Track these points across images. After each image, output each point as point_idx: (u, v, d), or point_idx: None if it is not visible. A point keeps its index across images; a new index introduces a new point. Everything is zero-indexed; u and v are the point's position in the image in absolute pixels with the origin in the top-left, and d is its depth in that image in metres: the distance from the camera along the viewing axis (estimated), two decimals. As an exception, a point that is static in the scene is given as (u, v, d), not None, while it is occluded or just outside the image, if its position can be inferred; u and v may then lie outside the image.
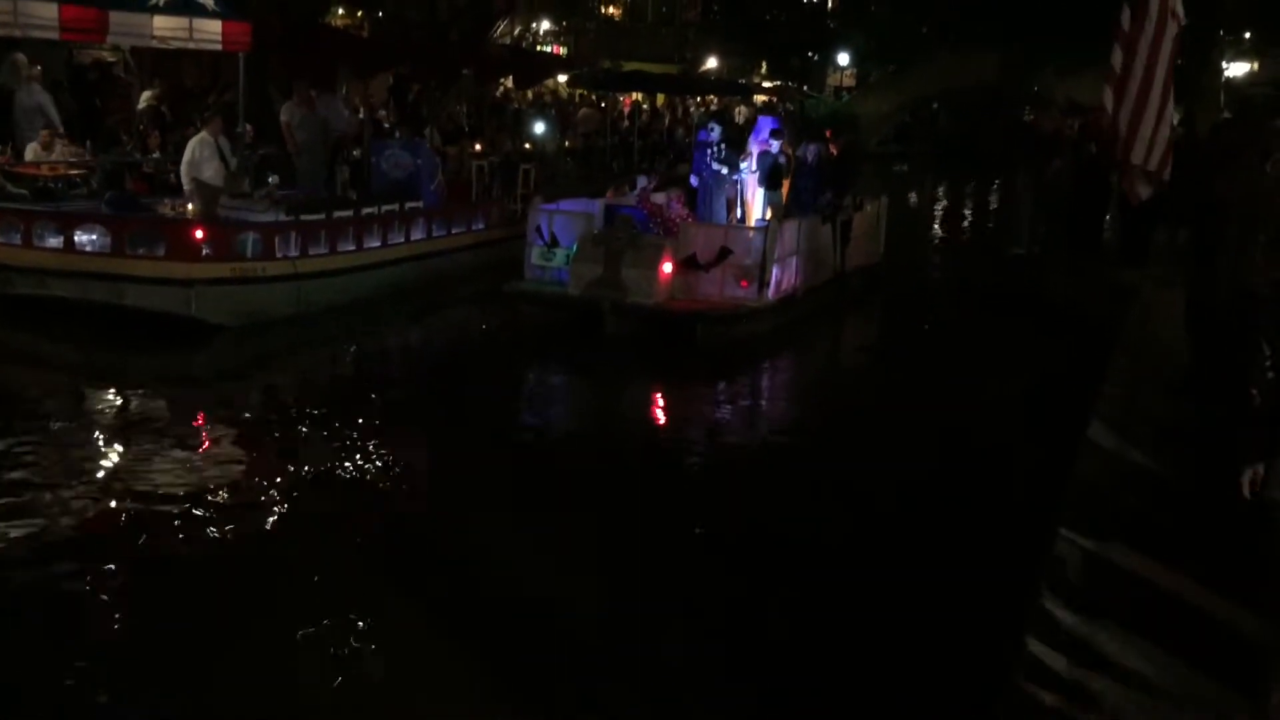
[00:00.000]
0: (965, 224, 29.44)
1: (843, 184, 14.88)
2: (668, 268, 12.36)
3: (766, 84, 41.81)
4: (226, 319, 11.73)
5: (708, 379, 11.67)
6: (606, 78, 24.47)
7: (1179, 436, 7.49)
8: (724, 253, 12.53)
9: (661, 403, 11.10)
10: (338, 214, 13.44)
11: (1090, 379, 9.30)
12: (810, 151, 14.68)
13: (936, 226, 27.57)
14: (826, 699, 5.53)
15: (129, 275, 11.59)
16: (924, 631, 6.01)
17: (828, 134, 16.27)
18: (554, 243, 12.99)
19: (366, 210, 13.94)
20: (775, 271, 12.70)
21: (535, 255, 13.12)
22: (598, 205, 13.88)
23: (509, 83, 25.43)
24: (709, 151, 13.89)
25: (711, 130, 14.14)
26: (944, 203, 33.52)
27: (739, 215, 14.44)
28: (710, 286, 12.58)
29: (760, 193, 14.63)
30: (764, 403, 11.60)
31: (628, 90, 28.42)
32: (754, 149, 14.84)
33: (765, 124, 15.49)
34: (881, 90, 44.31)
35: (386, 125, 18.91)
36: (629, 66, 33.27)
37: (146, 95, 17.69)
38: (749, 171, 14.59)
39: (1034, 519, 6.47)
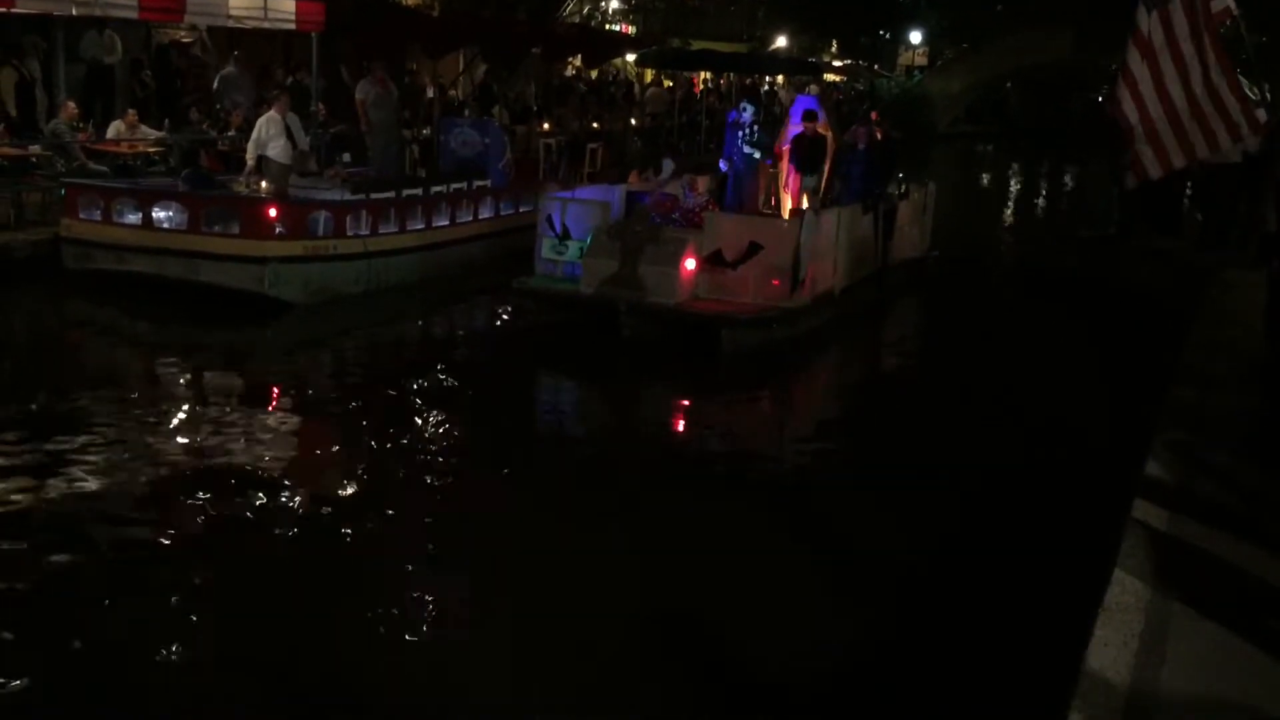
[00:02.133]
0: (1038, 205, 28.96)
1: (887, 170, 13.91)
2: (691, 264, 11.27)
3: (837, 63, 41.39)
4: (298, 296, 11.90)
5: (735, 391, 10.58)
6: (675, 56, 24.41)
7: (1253, 430, 7.34)
8: (754, 248, 11.27)
9: (682, 420, 10.07)
10: (407, 192, 13.56)
11: (1162, 372, 9.10)
12: (860, 136, 13.65)
13: (1007, 209, 27.13)
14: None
15: (204, 252, 11.77)
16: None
17: (874, 116, 14.99)
18: (566, 235, 11.92)
19: (435, 189, 14.02)
20: (810, 268, 11.55)
21: (546, 249, 12.03)
22: (617, 193, 12.87)
23: (577, 61, 25.49)
24: (740, 134, 12.66)
25: (744, 110, 12.89)
26: (1016, 184, 33.01)
27: (772, 203, 13.39)
28: (738, 285, 11.36)
29: (797, 179, 13.38)
30: (796, 420, 10.51)
31: (696, 69, 28.26)
32: (790, 132, 13.73)
33: (801, 104, 14.30)
34: (954, 69, 43.70)
35: (455, 104, 19.07)
36: (698, 45, 33.15)
37: (222, 75, 18.02)
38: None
39: (1102, 526, 6.33)
